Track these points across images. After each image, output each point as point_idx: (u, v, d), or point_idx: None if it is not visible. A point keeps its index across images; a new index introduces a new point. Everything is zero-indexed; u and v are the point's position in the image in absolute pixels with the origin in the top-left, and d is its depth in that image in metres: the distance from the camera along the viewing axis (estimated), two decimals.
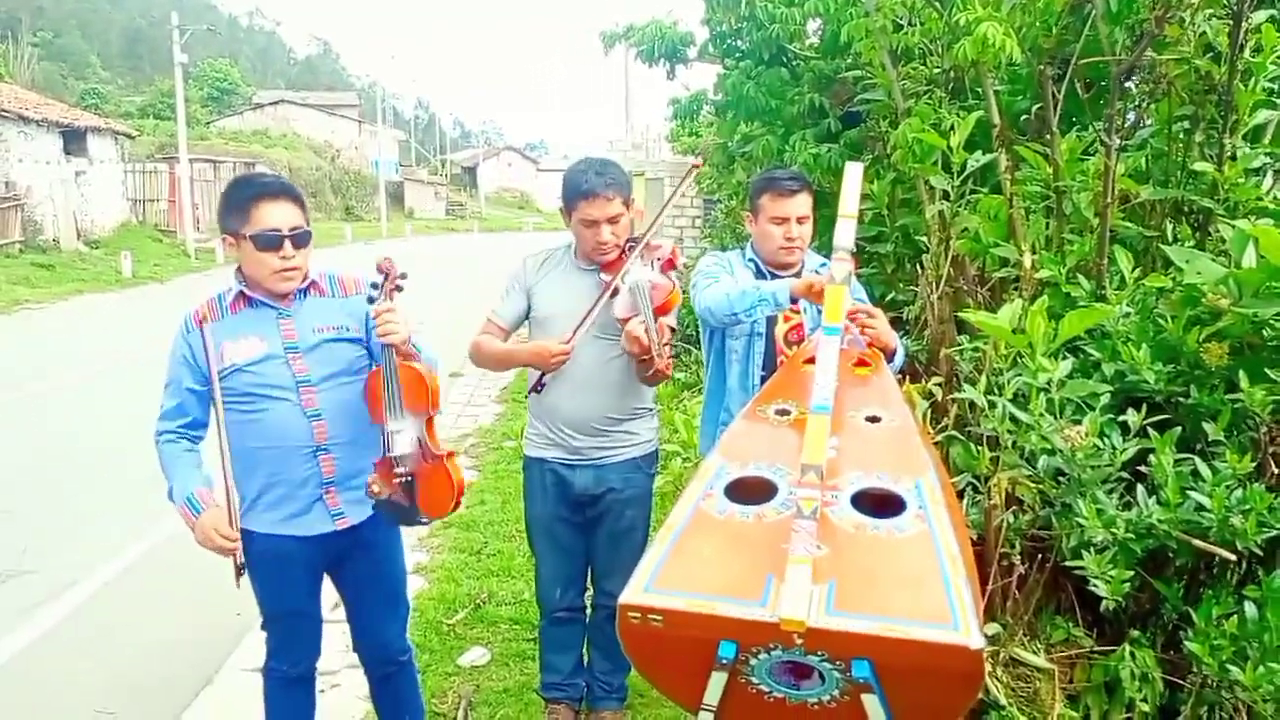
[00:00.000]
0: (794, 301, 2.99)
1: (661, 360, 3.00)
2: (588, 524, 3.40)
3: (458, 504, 2.83)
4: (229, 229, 2.74)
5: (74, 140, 26.20)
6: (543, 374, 3.27)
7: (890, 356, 2.91)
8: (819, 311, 3.07)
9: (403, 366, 2.72)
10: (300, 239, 2.73)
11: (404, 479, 2.75)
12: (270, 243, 2.69)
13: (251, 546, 2.83)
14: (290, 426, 2.76)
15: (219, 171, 36.48)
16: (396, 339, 2.66)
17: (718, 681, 1.87)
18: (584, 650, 3.57)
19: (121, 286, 21.67)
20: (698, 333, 4.92)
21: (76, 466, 7.44)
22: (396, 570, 3.08)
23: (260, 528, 2.84)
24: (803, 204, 3.24)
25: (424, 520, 2.86)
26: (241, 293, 2.80)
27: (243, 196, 2.72)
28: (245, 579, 2.85)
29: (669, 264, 3.20)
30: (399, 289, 2.75)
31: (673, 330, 3.31)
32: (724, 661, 1.82)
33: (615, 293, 3.13)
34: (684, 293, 3.34)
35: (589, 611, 3.55)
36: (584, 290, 3.20)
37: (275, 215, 2.70)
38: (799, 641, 1.72)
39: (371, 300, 2.71)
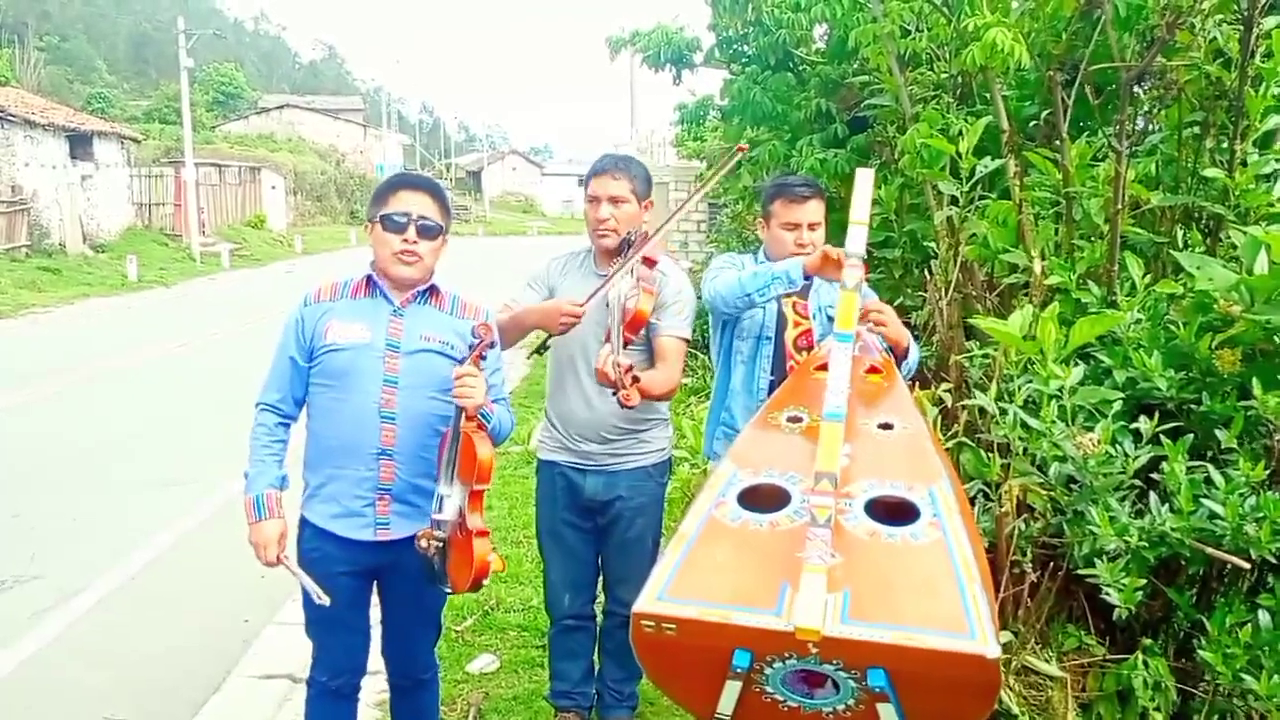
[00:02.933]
0: (808, 278, 2.98)
1: (623, 391, 2.93)
2: (598, 531, 3.40)
3: (476, 585, 2.78)
4: (370, 215, 2.85)
5: (80, 144, 26.25)
6: (549, 335, 3.24)
7: (904, 354, 2.90)
8: (829, 319, 3.07)
9: (465, 432, 2.72)
10: (426, 229, 2.79)
11: (439, 543, 2.75)
12: (395, 224, 2.77)
13: (302, 539, 2.87)
14: (363, 422, 2.77)
15: (224, 175, 36.54)
16: (470, 403, 2.68)
17: (732, 690, 1.87)
18: (594, 657, 3.56)
19: (127, 290, 21.71)
20: (704, 338, 4.92)
21: (83, 471, 7.45)
22: (437, 595, 3.03)
23: (314, 518, 2.86)
24: (814, 210, 3.24)
25: (447, 589, 2.82)
26: (368, 278, 2.86)
27: (388, 185, 2.86)
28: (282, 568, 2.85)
29: (648, 261, 3.15)
30: (484, 357, 2.78)
31: (686, 340, 3.27)
32: (738, 670, 1.81)
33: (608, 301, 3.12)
34: (698, 297, 3.33)
35: (599, 619, 3.54)
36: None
37: (409, 201, 2.79)
38: (814, 650, 1.72)
39: (461, 361, 2.73)
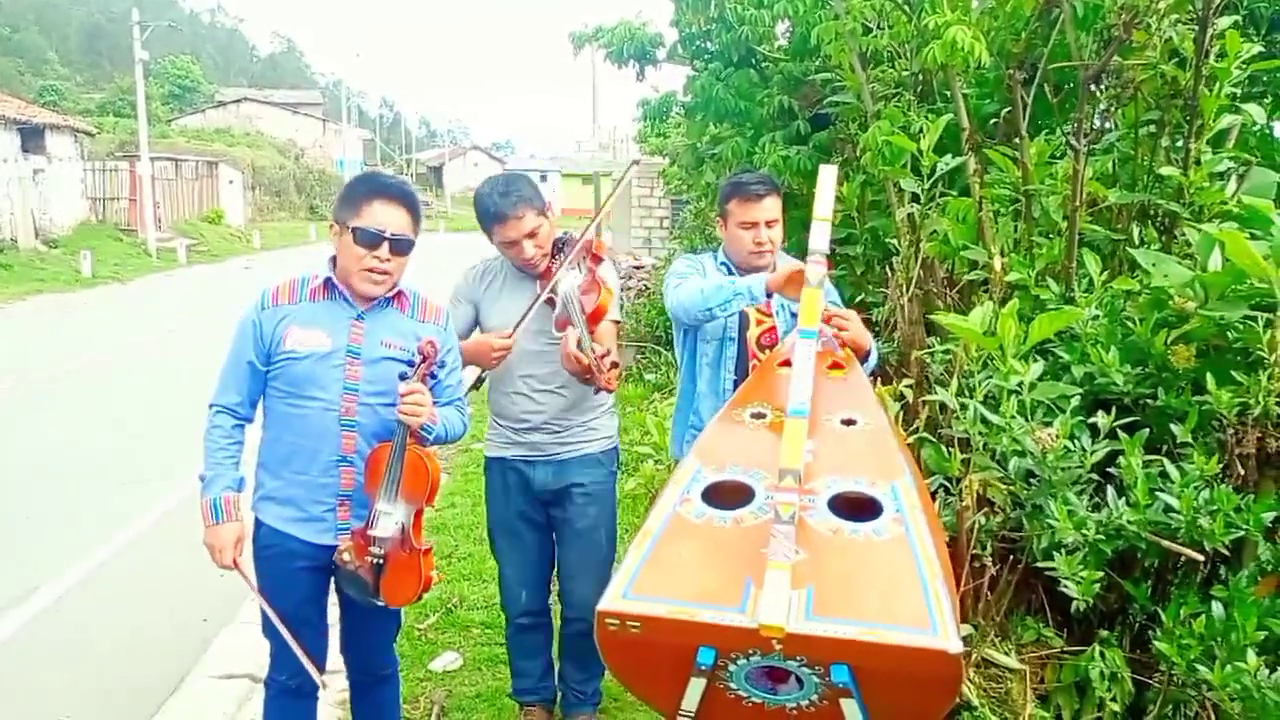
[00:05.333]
0: (769, 296, 2.98)
1: (603, 376, 2.98)
2: (551, 524, 3.40)
3: (419, 598, 2.84)
4: (338, 217, 2.75)
5: (32, 138, 25.74)
6: (483, 370, 3.27)
7: (865, 358, 2.92)
8: (792, 315, 3.08)
9: (411, 450, 2.70)
10: (400, 246, 2.71)
11: (376, 560, 2.72)
12: (370, 240, 2.68)
13: (258, 537, 2.83)
14: (324, 430, 2.73)
15: (181, 170, 36.05)
16: (415, 422, 2.66)
17: (696, 687, 1.87)
18: (554, 655, 3.56)
19: (81, 287, 21.36)
20: (668, 334, 4.92)
21: (39, 469, 7.31)
22: None
23: (268, 520, 2.82)
24: (771, 208, 3.24)
25: (379, 603, 2.80)
26: (328, 280, 2.78)
27: (361, 190, 2.74)
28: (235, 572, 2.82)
29: (595, 259, 3.18)
30: (433, 375, 2.76)
31: (618, 323, 3.31)
32: (703, 668, 1.82)
33: (550, 302, 3.14)
34: (658, 294, 3.35)
35: (556, 619, 3.54)
36: (526, 297, 3.21)
37: (384, 216, 2.69)
38: (778, 647, 1.72)
39: (403, 377, 2.68)
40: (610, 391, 3.08)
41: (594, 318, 3.09)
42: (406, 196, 2.77)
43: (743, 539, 1.91)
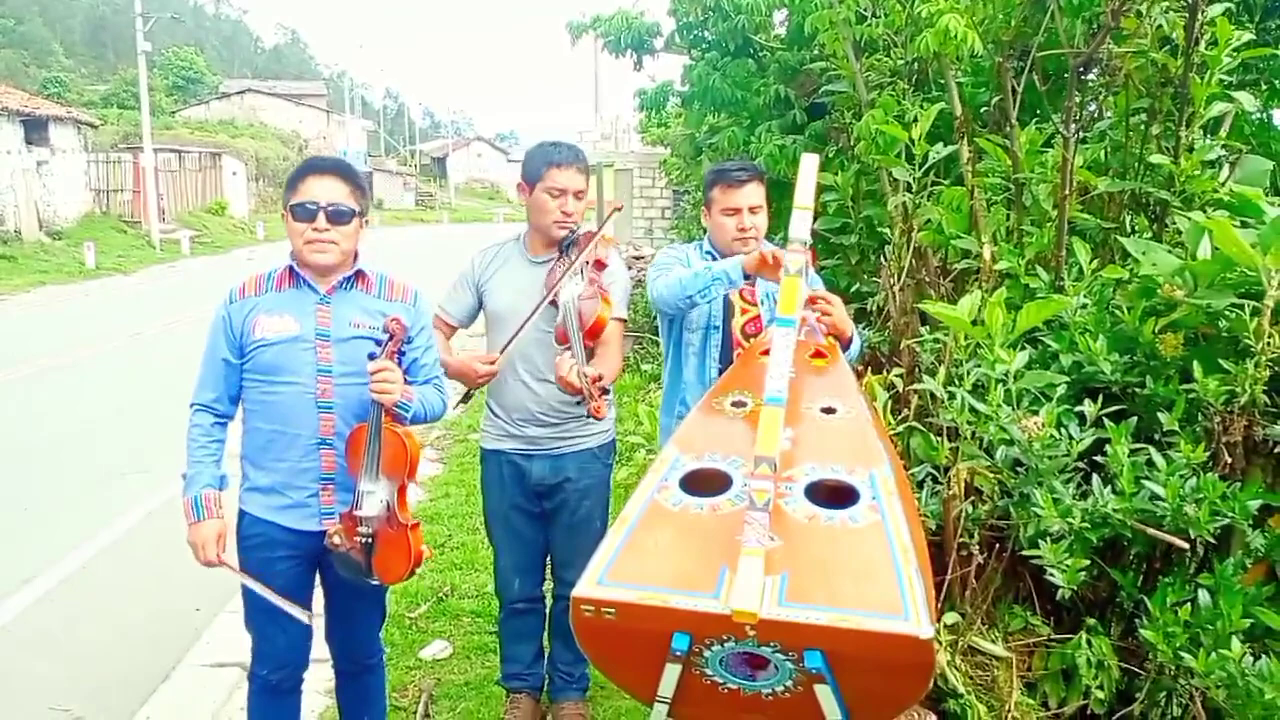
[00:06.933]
0: (748, 278, 2.97)
1: (592, 404, 2.97)
2: (545, 515, 3.41)
3: (412, 574, 2.85)
4: (285, 205, 2.79)
5: (36, 129, 25.76)
6: (469, 388, 3.30)
7: (846, 344, 2.91)
8: (777, 303, 3.07)
9: (388, 429, 2.70)
10: (337, 215, 2.73)
11: (365, 539, 2.74)
12: (304, 214, 2.71)
13: (242, 527, 2.85)
14: (301, 414, 2.75)
15: (184, 161, 36.04)
16: (388, 399, 2.66)
17: (671, 673, 1.87)
18: (544, 640, 3.57)
19: (85, 278, 21.40)
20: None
21: (36, 459, 7.34)
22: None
23: (253, 509, 2.83)
24: (753, 193, 3.23)
25: (374, 581, 2.82)
26: (290, 269, 2.81)
27: (297, 173, 2.79)
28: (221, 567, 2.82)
29: (599, 265, 3.20)
30: (401, 353, 2.76)
31: (623, 321, 3.31)
32: (677, 653, 1.82)
33: (555, 303, 3.14)
34: (640, 283, 3.35)
35: (548, 601, 3.56)
36: (534, 284, 3.21)
37: (316, 189, 2.72)
38: (751, 633, 1.72)
39: (372, 356, 2.68)
40: (598, 419, 3.07)
41: (591, 333, 3.09)
42: (339, 168, 2.80)
43: (719, 526, 1.91)
